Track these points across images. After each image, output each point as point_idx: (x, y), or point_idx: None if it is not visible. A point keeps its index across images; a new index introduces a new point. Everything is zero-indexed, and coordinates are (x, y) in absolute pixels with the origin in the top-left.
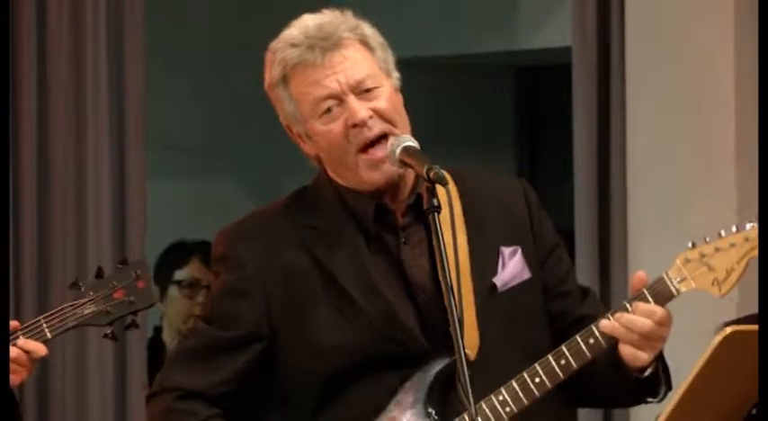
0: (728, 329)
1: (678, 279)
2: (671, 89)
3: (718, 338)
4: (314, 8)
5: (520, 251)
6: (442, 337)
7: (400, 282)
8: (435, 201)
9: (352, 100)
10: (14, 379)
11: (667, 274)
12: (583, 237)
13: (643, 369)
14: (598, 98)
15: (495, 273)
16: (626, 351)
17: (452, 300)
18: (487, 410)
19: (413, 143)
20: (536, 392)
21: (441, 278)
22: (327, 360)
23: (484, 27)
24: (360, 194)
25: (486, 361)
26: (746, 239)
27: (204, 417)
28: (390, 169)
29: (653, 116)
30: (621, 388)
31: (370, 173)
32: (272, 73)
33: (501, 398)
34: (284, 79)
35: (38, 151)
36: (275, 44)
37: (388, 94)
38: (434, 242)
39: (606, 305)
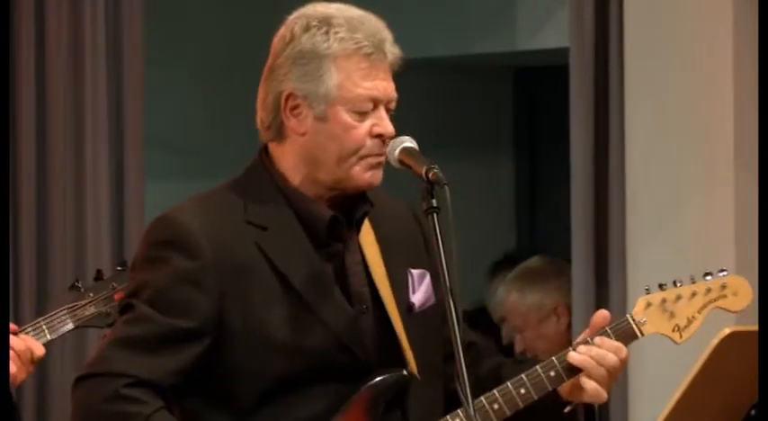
0: (727, 330)
1: (642, 321)
2: (669, 90)
3: (717, 339)
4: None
5: (428, 275)
6: (378, 351)
7: (344, 290)
8: (434, 201)
9: (384, 112)
10: (19, 376)
11: (631, 316)
12: (580, 240)
13: (567, 404)
14: (596, 99)
15: (407, 293)
16: (589, 386)
17: (452, 302)
18: None
19: (412, 144)
20: (494, 419)
21: (442, 282)
22: (278, 362)
23: (482, 28)
24: (310, 199)
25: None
26: (708, 290)
27: (156, 407)
28: (378, 175)
29: (651, 117)
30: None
31: (365, 174)
32: (323, 43)
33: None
34: (337, 57)
35: (36, 152)
36: (328, 16)
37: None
38: (434, 243)
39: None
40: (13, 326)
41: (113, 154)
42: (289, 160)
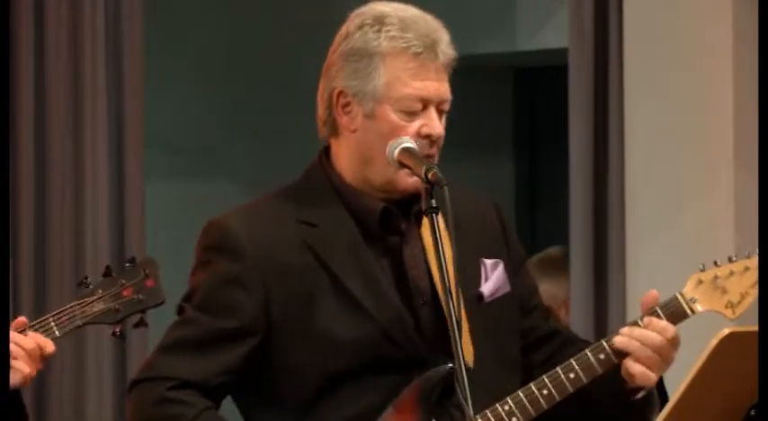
0: (726, 330)
1: (692, 299)
2: (669, 90)
3: (716, 340)
4: (316, 9)
5: (502, 264)
6: (437, 342)
7: (401, 283)
8: (434, 202)
9: (434, 113)
10: (30, 373)
11: (681, 294)
12: (579, 240)
13: (638, 391)
14: (595, 99)
15: (478, 283)
16: (636, 369)
17: (452, 304)
18: (493, 419)
19: (411, 144)
20: (544, 404)
21: (439, 281)
22: (330, 358)
23: (482, 28)
24: (363, 194)
25: (479, 371)
26: None
27: (201, 408)
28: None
29: (651, 117)
30: (614, 409)
31: (410, 179)
32: (373, 40)
33: (507, 407)
34: (386, 55)
35: (36, 152)
36: (383, 15)
37: (444, 122)
38: (433, 243)
39: (603, 311)
40: (21, 320)
41: (113, 154)
42: (344, 157)
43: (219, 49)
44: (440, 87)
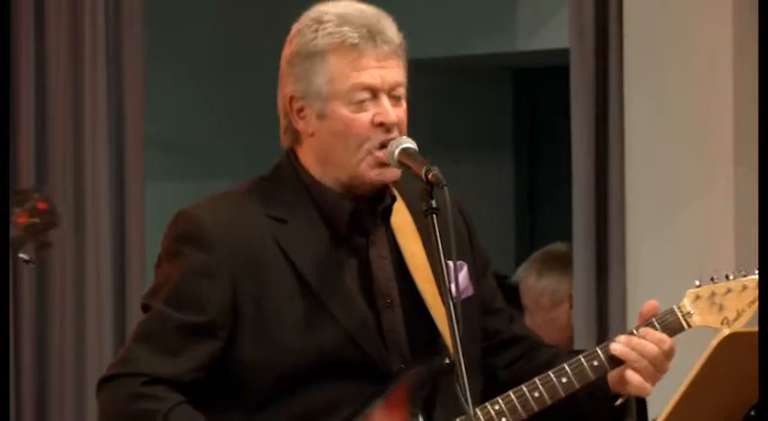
0: (726, 331)
1: (688, 313)
2: (669, 90)
3: (716, 340)
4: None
5: (466, 266)
6: (397, 346)
7: (366, 285)
8: (434, 202)
9: (386, 100)
10: None
11: (678, 307)
12: (581, 240)
13: (618, 397)
14: (596, 99)
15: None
16: (634, 379)
17: (451, 303)
18: (483, 418)
19: (411, 144)
20: (534, 407)
21: (439, 282)
22: (288, 359)
23: (482, 28)
24: (331, 193)
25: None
26: None
27: (173, 403)
28: (391, 173)
29: (651, 117)
30: (593, 412)
31: (370, 171)
32: (310, 42)
33: (497, 407)
34: (325, 52)
35: (36, 151)
36: (320, 15)
37: (404, 107)
38: (434, 244)
39: (605, 308)
40: None
41: (114, 154)
42: (308, 161)
43: (219, 49)
44: (385, 74)
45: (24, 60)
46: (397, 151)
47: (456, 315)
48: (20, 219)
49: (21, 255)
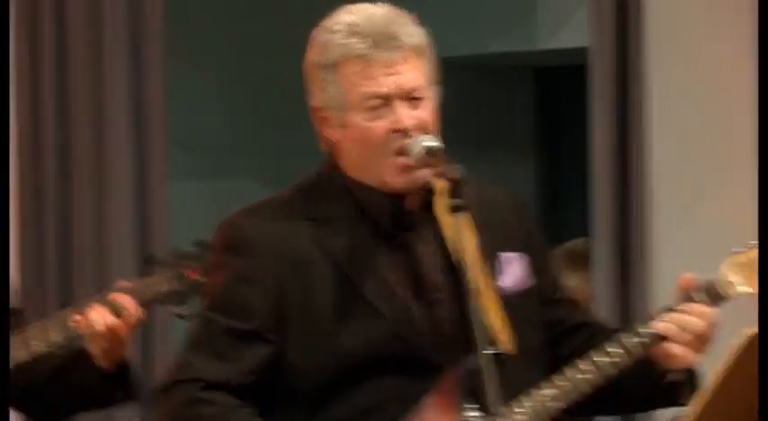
0: (749, 331)
1: (730, 281)
2: (689, 87)
3: (741, 341)
4: (338, 7)
5: (523, 258)
6: (453, 338)
7: (414, 280)
8: (457, 200)
9: (400, 105)
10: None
11: (719, 277)
12: (601, 239)
13: (670, 373)
14: (615, 98)
15: (499, 277)
16: (676, 351)
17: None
18: (533, 404)
19: (432, 142)
20: (585, 387)
21: (458, 275)
22: (337, 358)
23: (502, 27)
24: (372, 190)
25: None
26: None
27: (230, 407)
28: (416, 176)
29: (671, 115)
30: (648, 392)
31: (396, 178)
32: (323, 53)
33: (547, 392)
34: (337, 64)
35: (59, 152)
36: (332, 25)
37: (431, 107)
38: (455, 240)
39: (627, 306)
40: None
41: (136, 154)
42: (345, 164)
43: (241, 46)
44: (397, 79)
45: (45, 61)
46: (420, 148)
47: (498, 307)
48: (190, 274)
49: (174, 309)
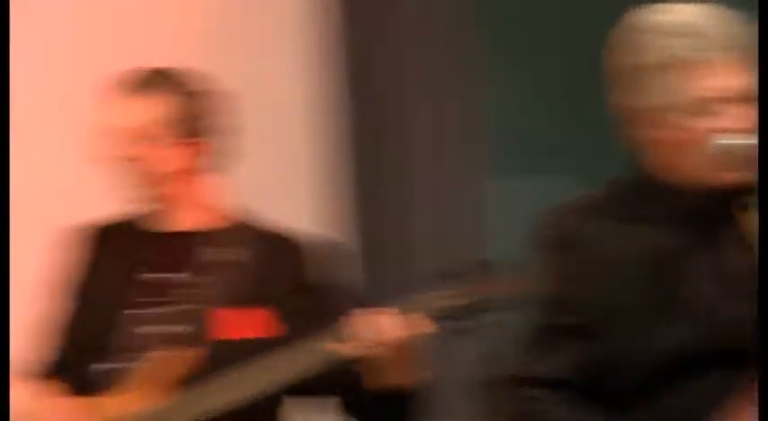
0: None
1: None
2: None
3: None
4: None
5: None
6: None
7: (724, 279)
8: (746, 199)
9: (726, 106)
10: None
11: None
12: None
13: None
14: None
15: None
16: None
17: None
18: None
19: (740, 140)
20: None
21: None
22: (649, 358)
23: None
24: (689, 190)
25: None
26: None
27: (555, 402)
28: (734, 176)
29: None
30: None
31: (715, 178)
32: (646, 54)
33: None
34: (663, 65)
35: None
36: (666, 26)
37: (750, 106)
38: (754, 239)
39: None
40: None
41: (454, 149)
42: (657, 163)
43: (556, 38)
44: (723, 80)
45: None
46: (718, 146)
47: None
48: (482, 289)
49: (455, 325)
